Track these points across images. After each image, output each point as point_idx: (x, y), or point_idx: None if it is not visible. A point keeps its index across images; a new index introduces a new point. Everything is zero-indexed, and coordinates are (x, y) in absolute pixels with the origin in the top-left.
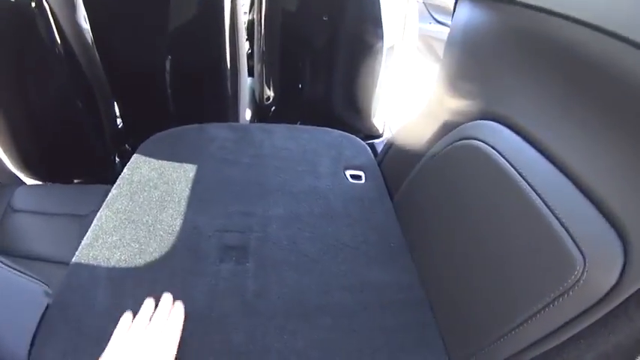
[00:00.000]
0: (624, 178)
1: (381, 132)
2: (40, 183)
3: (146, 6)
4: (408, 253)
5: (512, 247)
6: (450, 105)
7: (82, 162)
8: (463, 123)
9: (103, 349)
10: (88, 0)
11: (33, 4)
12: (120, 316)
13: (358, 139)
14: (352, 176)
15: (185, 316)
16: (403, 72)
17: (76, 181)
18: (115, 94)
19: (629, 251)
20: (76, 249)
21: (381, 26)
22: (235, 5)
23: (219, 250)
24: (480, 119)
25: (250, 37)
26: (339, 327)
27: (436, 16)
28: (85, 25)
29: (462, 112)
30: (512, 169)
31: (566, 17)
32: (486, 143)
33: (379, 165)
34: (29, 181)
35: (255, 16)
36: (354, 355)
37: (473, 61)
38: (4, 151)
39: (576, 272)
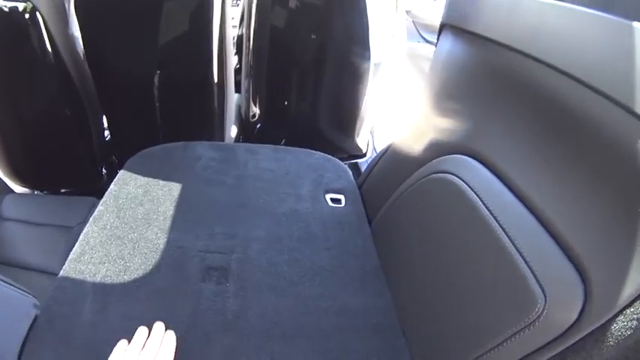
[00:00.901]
0: (586, 219)
1: (364, 151)
2: (27, 191)
3: (137, 20)
4: (383, 278)
5: (479, 279)
6: (428, 136)
7: (69, 172)
8: (440, 155)
9: None
10: (81, 13)
11: (26, 16)
12: (105, 330)
13: (339, 161)
14: (332, 199)
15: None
16: (389, 91)
17: (63, 190)
18: (103, 107)
19: (589, 291)
20: (64, 260)
21: (369, 47)
22: (224, 20)
23: (202, 270)
24: (456, 153)
25: (239, 52)
26: (314, 349)
27: (425, 35)
28: (77, 37)
29: (439, 144)
30: (482, 205)
31: (538, 60)
32: (460, 178)
33: (360, 187)
34: (16, 188)
35: (244, 31)
36: None
37: (450, 94)
38: None
39: (537, 309)
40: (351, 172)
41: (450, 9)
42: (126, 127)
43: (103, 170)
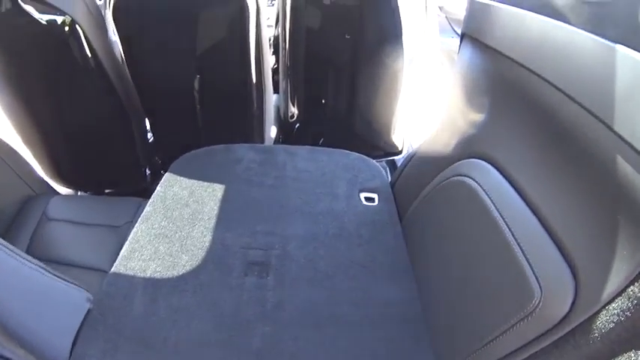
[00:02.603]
0: (579, 223)
1: (400, 148)
2: (71, 192)
3: (174, 26)
4: (411, 272)
5: (487, 274)
6: (450, 140)
7: (113, 173)
8: (460, 159)
9: (139, 350)
10: (119, 21)
11: (66, 29)
12: (154, 321)
13: (374, 161)
14: (366, 198)
15: (212, 326)
16: (424, 88)
17: (106, 191)
18: (145, 110)
19: (579, 288)
20: (111, 257)
21: (402, 45)
22: (260, 24)
23: (244, 265)
24: (474, 157)
25: (276, 52)
26: (345, 336)
27: (458, 31)
28: (116, 44)
29: (459, 148)
30: (493, 206)
31: (544, 79)
32: (475, 181)
33: (393, 185)
34: (61, 189)
35: (280, 32)
36: None
37: (469, 101)
38: (38, 162)
39: (534, 302)
40: (384, 172)
41: (468, 20)
42: (168, 129)
43: (147, 171)
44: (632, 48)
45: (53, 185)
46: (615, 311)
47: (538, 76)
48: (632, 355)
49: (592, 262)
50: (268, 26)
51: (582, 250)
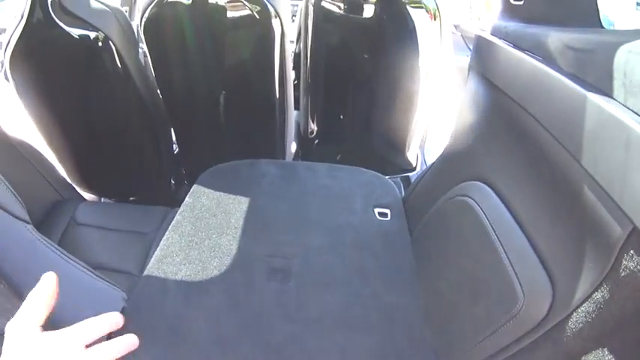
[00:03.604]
0: (557, 238)
1: (414, 165)
2: (95, 198)
3: (201, 44)
4: (417, 281)
5: (481, 282)
6: (456, 164)
7: (138, 182)
8: (464, 181)
9: (172, 344)
10: (149, 37)
11: (100, 44)
12: (186, 320)
13: (387, 179)
14: (380, 213)
15: (239, 324)
16: (438, 106)
17: (131, 198)
18: (172, 122)
19: (555, 293)
20: (138, 262)
21: (418, 65)
22: (284, 46)
23: (268, 271)
24: (475, 180)
25: (296, 68)
26: (356, 335)
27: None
28: (146, 58)
29: (463, 171)
30: (488, 224)
31: (532, 116)
32: (475, 201)
33: (405, 201)
34: (87, 195)
35: (301, 47)
36: (367, 358)
37: (473, 129)
38: (65, 168)
39: (518, 305)
40: (397, 188)
41: (474, 54)
42: (193, 141)
43: (171, 181)
44: (606, 92)
45: (79, 191)
46: (584, 313)
47: (528, 113)
48: (600, 352)
49: (565, 271)
50: (290, 42)
51: (558, 261)
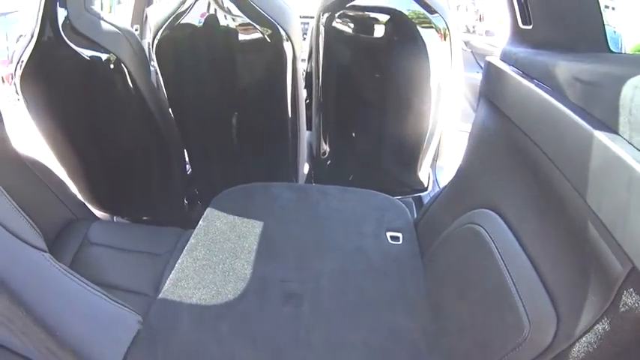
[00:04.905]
0: (562, 272)
1: (425, 185)
2: (108, 217)
3: (213, 66)
4: (427, 305)
5: (489, 309)
6: (466, 191)
7: (151, 202)
8: (473, 208)
9: None
10: (161, 59)
11: (111, 66)
12: (200, 345)
13: (399, 202)
14: (392, 237)
15: (253, 349)
16: (450, 124)
17: (144, 218)
18: (185, 142)
19: (560, 323)
20: (153, 283)
21: (429, 84)
22: (296, 69)
23: (281, 296)
24: (484, 208)
25: (308, 87)
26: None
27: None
28: (158, 78)
29: (473, 199)
30: (497, 252)
31: (541, 149)
32: (484, 229)
33: (417, 224)
34: (99, 214)
35: (313, 66)
36: None
37: (483, 157)
38: (77, 186)
39: (524, 333)
40: (408, 212)
41: (484, 81)
42: (206, 162)
43: (184, 201)
44: (612, 128)
45: (91, 209)
46: (585, 343)
47: (536, 144)
48: None
49: (569, 302)
50: (301, 60)
51: (563, 292)
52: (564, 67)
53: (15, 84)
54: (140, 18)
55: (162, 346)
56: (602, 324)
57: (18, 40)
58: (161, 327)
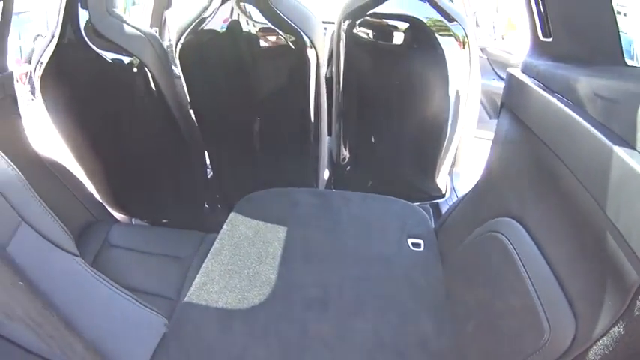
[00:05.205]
0: (581, 279)
1: (443, 192)
2: (126, 218)
3: (236, 71)
4: (447, 310)
5: (511, 315)
6: (488, 199)
7: (171, 204)
8: (495, 217)
9: None
10: (184, 64)
11: (135, 70)
12: (226, 348)
13: (420, 209)
14: (413, 244)
15: (279, 353)
16: (467, 131)
17: (163, 221)
18: (206, 146)
19: (578, 328)
20: (175, 286)
21: (448, 92)
22: (319, 76)
23: (306, 300)
24: (507, 217)
25: (328, 92)
26: None
27: (500, 73)
28: (180, 82)
29: (495, 207)
30: (519, 260)
31: (561, 160)
32: (507, 237)
33: (437, 231)
34: (118, 216)
35: (333, 71)
36: None
37: (505, 167)
38: (96, 188)
39: (545, 338)
40: (428, 218)
41: (507, 92)
42: (227, 166)
43: (205, 205)
44: (630, 144)
45: (111, 211)
46: (602, 346)
47: (557, 156)
48: None
49: (587, 307)
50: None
51: (581, 298)
52: (584, 82)
53: (33, 84)
54: (159, 21)
55: (187, 349)
56: (618, 327)
57: (36, 40)
58: (187, 330)
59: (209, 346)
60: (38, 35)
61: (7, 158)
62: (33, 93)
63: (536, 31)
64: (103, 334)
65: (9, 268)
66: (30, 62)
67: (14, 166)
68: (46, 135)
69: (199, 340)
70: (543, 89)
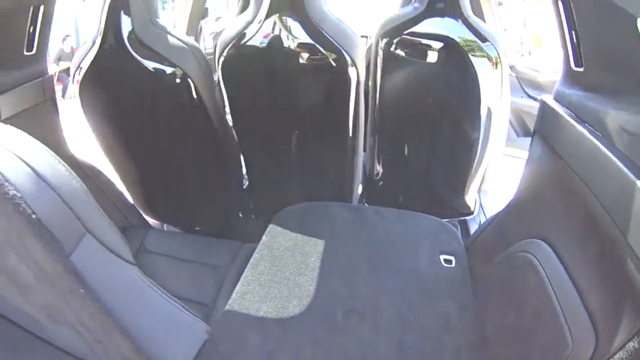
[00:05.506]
0: (602, 298)
1: (472, 209)
2: (159, 224)
3: (277, 86)
4: (478, 325)
5: (537, 330)
6: (519, 221)
7: (206, 213)
8: (526, 237)
9: None
10: (226, 77)
11: (177, 80)
12: (266, 357)
13: (451, 226)
14: (445, 260)
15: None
16: (496, 149)
17: (196, 228)
18: (243, 156)
19: (598, 342)
20: (212, 294)
21: (479, 111)
22: (359, 94)
23: (344, 312)
24: (536, 238)
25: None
26: None
27: (528, 91)
28: (222, 94)
29: (525, 229)
30: (547, 280)
31: (591, 191)
32: (536, 258)
33: (467, 248)
34: (151, 221)
35: (369, 89)
36: None
37: (538, 189)
38: (131, 194)
39: (567, 351)
40: (459, 234)
41: (540, 119)
42: (263, 178)
43: (240, 215)
44: None
45: (144, 216)
46: (619, 359)
47: (585, 185)
48: None
49: (607, 324)
50: None
51: (602, 315)
52: (612, 116)
53: (66, 85)
54: (195, 30)
55: (227, 356)
56: (634, 342)
57: (65, 40)
58: (228, 338)
59: (249, 356)
60: (67, 35)
61: (70, 169)
62: (63, 95)
63: (569, 61)
64: (150, 338)
65: (71, 276)
66: (57, 63)
67: (77, 177)
68: (76, 137)
69: (239, 348)
70: (575, 119)
